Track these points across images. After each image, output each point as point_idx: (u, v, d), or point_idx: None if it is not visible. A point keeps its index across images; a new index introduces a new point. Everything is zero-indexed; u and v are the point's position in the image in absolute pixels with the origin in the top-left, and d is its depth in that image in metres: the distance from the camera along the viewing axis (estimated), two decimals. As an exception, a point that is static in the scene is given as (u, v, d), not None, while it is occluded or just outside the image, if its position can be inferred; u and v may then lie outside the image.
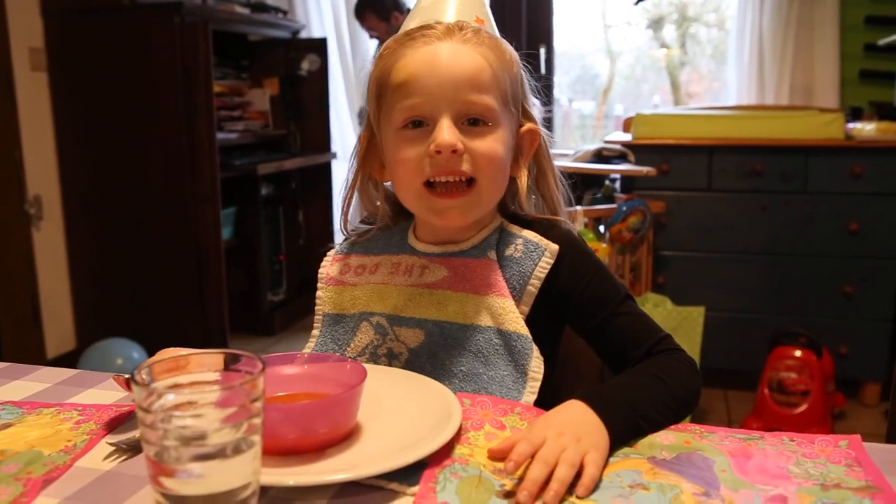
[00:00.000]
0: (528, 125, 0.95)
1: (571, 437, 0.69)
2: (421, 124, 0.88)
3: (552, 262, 0.90)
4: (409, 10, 0.96)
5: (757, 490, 0.65)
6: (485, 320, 0.90)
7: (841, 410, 2.70)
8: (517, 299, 0.90)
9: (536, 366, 0.87)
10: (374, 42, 3.64)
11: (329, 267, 1.01)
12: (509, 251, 0.92)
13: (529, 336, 0.88)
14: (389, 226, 1.01)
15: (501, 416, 0.78)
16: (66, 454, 0.74)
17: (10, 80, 2.82)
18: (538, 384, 0.87)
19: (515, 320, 0.89)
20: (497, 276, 0.91)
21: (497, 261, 0.92)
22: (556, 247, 0.90)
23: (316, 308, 1.00)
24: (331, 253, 1.03)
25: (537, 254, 0.91)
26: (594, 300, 0.91)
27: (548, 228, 0.94)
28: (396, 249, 0.98)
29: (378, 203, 0.99)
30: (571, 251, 0.92)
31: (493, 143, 0.88)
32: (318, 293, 1.00)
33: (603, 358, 0.94)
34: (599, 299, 0.90)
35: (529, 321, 0.89)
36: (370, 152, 0.97)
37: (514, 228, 0.94)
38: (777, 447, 0.73)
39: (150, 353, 2.82)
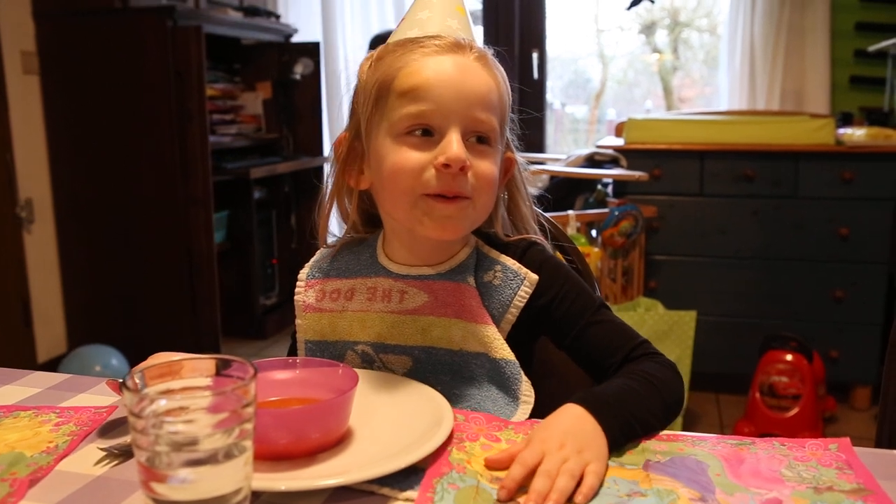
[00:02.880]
0: (507, 153, 0.95)
1: (572, 448, 0.69)
2: (425, 133, 0.86)
3: (531, 291, 0.90)
4: None
5: (752, 494, 0.65)
6: (472, 346, 0.89)
7: (832, 414, 2.71)
8: (496, 325, 0.90)
9: (527, 390, 0.88)
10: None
11: (304, 294, 0.98)
12: (488, 277, 0.92)
13: (517, 362, 0.88)
14: (363, 238, 0.99)
15: (496, 431, 0.78)
16: (48, 455, 0.74)
17: (2, 82, 2.81)
18: (530, 407, 0.87)
19: (501, 347, 0.88)
20: (477, 302, 0.90)
21: (476, 287, 0.91)
22: (535, 277, 0.90)
23: (297, 336, 0.98)
24: (302, 277, 0.99)
25: (516, 283, 0.90)
26: (570, 314, 0.91)
27: (524, 251, 0.94)
28: (368, 270, 0.95)
29: (352, 211, 0.97)
30: (547, 271, 0.92)
31: (491, 165, 0.88)
32: (297, 321, 0.97)
33: (583, 367, 0.94)
34: (575, 313, 0.91)
35: (507, 339, 0.90)
36: (350, 157, 0.94)
37: (492, 252, 0.93)
38: (769, 451, 0.73)
39: (130, 360, 2.84)
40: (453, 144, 0.83)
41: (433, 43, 0.87)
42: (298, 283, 0.99)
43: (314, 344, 0.96)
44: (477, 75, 0.87)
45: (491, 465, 0.70)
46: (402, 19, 0.94)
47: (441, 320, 0.90)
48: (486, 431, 0.77)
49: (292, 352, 1.00)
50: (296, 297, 0.98)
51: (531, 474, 0.67)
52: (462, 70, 0.86)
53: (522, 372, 0.88)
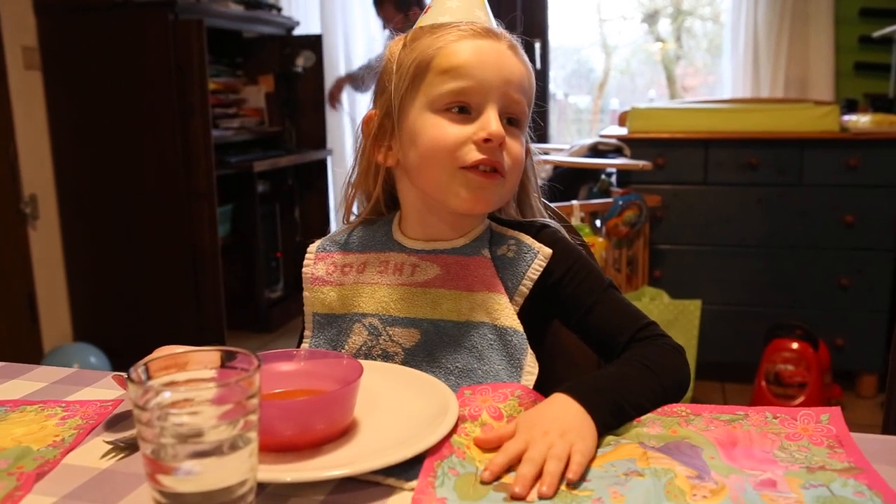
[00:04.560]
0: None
1: (556, 433, 0.70)
2: (462, 110, 0.88)
3: (545, 264, 0.91)
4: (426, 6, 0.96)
5: (746, 475, 0.66)
6: (479, 316, 0.90)
7: (838, 402, 2.71)
8: (509, 297, 0.91)
9: (531, 361, 0.88)
10: (385, 34, 3.66)
11: (313, 266, 0.99)
12: (502, 251, 0.93)
13: (523, 332, 0.89)
14: (379, 217, 1.00)
15: (501, 401, 0.79)
16: (54, 449, 0.74)
17: (4, 78, 2.81)
18: (534, 378, 0.88)
19: (510, 316, 0.89)
20: (492, 273, 0.91)
21: (491, 259, 0.93)
22: (548, 250, 0.92)
23: (305, 308, 0.99)
24: (312, 250, 1.01)
25: (530, 256, 0.92)
26: (579, 293, 0.92)
27: (538, 230, 0.96)
28: (382, 246, 0.97)
29: (377, 187, 0.98)
30: (558, 250, 0.93)
31: (521, 147, 0.91)
32: (305, 293, 0.99)
33: (590, 347, 0.95)
34: (584, 292, 0.92)
35: (519, 316, 0.91)
36: (379, 133, 0.95)
37: (504, 230, 0.96)
38: (761, 428, 0.74)
39: (112, 358, 2.86)
40: (492, 121, 0.87)
41: (469, 27, 0.90)
42: (307, 256, 1.01)
43: (322, 317, 0.98)
44: (512, 60, 0.90)
45: (479, 444, 0.72)
46: (429, 7, 0.95)
47: (451, 293, 0.91)
48: (490, 403, 0.78)
49: (304, 329, 1.00)
50: (304, 270, 0.99)
51: (515, 462, 0.68)
52: (499, 53, 0.90)
53: (528, 344, 0.89)
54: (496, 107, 0.88)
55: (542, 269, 0.91)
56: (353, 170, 0.99)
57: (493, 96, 0.88)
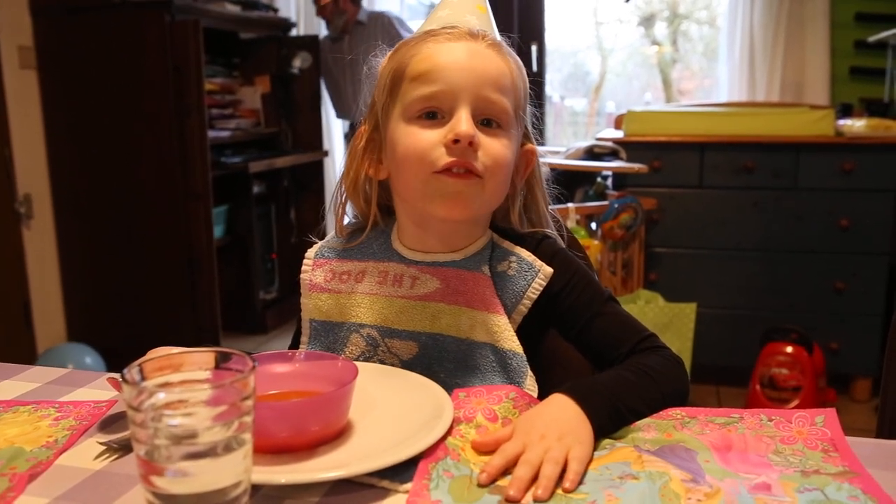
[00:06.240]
0: (528, 145, 0.96)
1: (554, 437, 0.70)
2: (436, 116, 0.87)
3: (545, 283, 0.90)
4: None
5: (741, 479, 0.66)
6: (480, 336, 0.90)
7: (832, 406, 2.70)
8: (508, 316, 0.90)
9: (530, 384, 0.88)
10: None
11: (311, 272, 0.98)
12: (502, 267, 0.92)
13: (524, 355, 0.88)
14: (379, 227, 0.99)
15: (495, 403, 0.79)
16: (48, 449, 0.74)
17: (0, 78, 2.80)
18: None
19: (511, 338, 0.89)
20: (491, 292, 0.90)
21: (490, 276, 0.91)
22: (549, 269, 0.91)
23: (301, 315, 0.98)
24: (310, 255, 1.00)
25: (531, 274, 0.91)
26: (577, 305, 0.91)
27: (538, 243, 0.94)
28: (381, 255, 0.96)
29: (370, 201, 0.97)
30: (557, 262, 0.92)
31: (503, 147, 0.88)
32: (303, 300, 0.98)
33: (589, 360, 0.95)
34: (583, 304, 0.91)
35: (517, 330, 0.90)
36: (368, 147, 0.95)
37: (506, 244, 0.94)
38: (756, 431, 0.75)
39: (108, 359, 2.84)
40: (462, 121, 0.84)
41: (445, 32, 0.89)
42: (305, 262, 0.99)
43: (319, 324, 0.97)
44: (488, 59, 0.88)
45: (476, 447, 0.72)
46: (426, 20, 0.96)
47: (451, 308, 0.91)
48: (485, 405, 0.78)
49: (298, 333, 1.00)
50: (302, 276, 0.99)
51: (512, 464, 0.68)
52: (472, 53, 0.88)
53: (528, 366, 0.89)
54: (468, 107, 0.85)
55: (541, 289, 0.90)
56: (341, 180, 0.98)
57: (464, 97, 0.85)
